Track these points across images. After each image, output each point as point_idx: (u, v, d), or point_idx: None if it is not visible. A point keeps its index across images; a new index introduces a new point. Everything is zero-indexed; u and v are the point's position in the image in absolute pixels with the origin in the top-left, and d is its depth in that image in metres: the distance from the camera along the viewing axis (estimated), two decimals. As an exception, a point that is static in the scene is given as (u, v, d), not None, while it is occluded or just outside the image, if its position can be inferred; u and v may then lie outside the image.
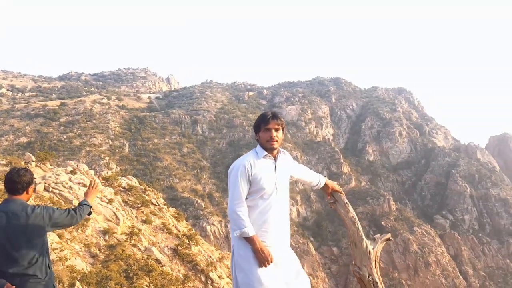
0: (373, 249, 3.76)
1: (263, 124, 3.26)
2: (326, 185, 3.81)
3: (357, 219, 3.84)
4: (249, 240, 3.08)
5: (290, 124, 78.86)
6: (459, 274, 54.37)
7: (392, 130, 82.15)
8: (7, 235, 3.08)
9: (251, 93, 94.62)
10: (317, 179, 3.73)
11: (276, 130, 3.29)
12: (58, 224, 3.37)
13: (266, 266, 3.08)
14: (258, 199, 3.18)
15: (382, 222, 57.18)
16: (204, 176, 56.85)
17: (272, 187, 3.21)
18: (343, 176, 65.67)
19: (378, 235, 3.97)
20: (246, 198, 3.17)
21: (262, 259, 3.06)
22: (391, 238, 4.09)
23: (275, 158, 3.33)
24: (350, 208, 3.89)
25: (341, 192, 3.87)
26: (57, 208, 3.43)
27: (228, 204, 3.22)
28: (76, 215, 3.46)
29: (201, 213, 47.96)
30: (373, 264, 3.72)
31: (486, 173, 75.68)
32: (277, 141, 3.28)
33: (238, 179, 3.14)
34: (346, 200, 3.93)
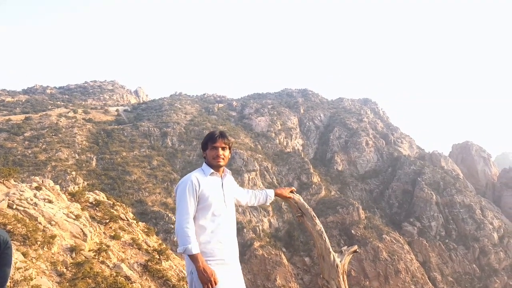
0: (340, 261, 3.91)
1: (211, 142, 3.34)
2: (279, 194, 3.93)
3: (324, 232, 3.99)
4: (192, 258, 3.04)
5: (260, 135, 79.31)
6: (428, 280, 55.76)
7: (359, 140, 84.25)
8: None
9: (221, 105, 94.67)
10: (264, 195, 3.81)
11: (223, 148, 3.36)
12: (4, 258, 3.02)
13: (209, 287, 3.00)
14: (210, 216, 3.20)
15: (352, 231, 58.09)
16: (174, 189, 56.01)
17: (221, 203, 3.27)
18: (313, 185, 66.46)
19: (345, 248, 4.13)
20: (197, 217, 3.18)
21: (204, 279, 2.99)
22: (357, 250, 4.27)
23: (221, 176, 3.39)
24: (317, 221, 4.04)
25: (290, 197, 3.99)
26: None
27: (175, 221, 3.19)
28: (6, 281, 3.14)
29: (172, 227, 47.09)
30: (341, 277, 3.86)
31: (451, 180, 78.53)
32: (223, 159, 3.35)
33: (185, 195, 3.16)
34: (313, 213, 4.08)
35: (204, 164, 3.41)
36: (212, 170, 3.33)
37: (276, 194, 3.92)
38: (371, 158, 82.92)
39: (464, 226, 69.14)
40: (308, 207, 4.09)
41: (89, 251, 14.55)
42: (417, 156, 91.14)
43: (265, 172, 66.31)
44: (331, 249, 3.95)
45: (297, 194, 4.16)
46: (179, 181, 3.30)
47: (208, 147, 3.35)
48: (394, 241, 58.88)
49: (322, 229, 4.03)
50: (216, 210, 3.23)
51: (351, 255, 4.18)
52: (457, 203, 71.88)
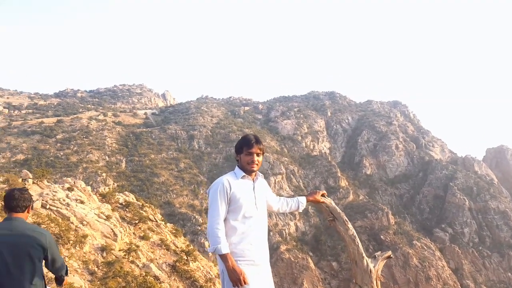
0: (374, 267, 3.77)
1: (246, 147, 3.36)
2: (312, 200, 3.92)
3: (356, 236, 3.86)
4: (222, 258, 3.11)
5: (286, 139, 79.00)
6: (460, 288, 53.86)
7: (388, 143, 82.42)
8: (13, 254, 3.10)
9: (246, 108, 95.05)
10: (296, 202, 3.83)
11: (258, 154, 3.38)
12: (53, 254, 3.34)
13: (238, 286, 3.09)
14: (241, 218, 3.25)
15: (381, 236, 56.84)
16: (201, 191, 56.58)
17: (252, 206, 3.31)
18: (341, 190, 65.52)
19: (378, 253, 3.98)
20: (228, 218, 3.24)
21: (233, 278, 3.08)
22: (391, 256, 4.11)
23: (253, 180, 3.42)
24: (350, 225, 3.92)
25: (322, 202, 3.96)
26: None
27: (207, 222, 3.28)
28: (65, 268, 3.49)
29: (199, 228, 47.58)
30: (374, 282, 3.72)
31: (484, 185, 75.67)
32: (257, 164, 3.38)
33: (216, 197, 3.22)
34: (345, 218, 3.95)
35: (236, 167, 3.45)
36: (244, 174, 3.37)
37: (308, 201, 3.92)
38: (401, 162, 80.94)
39: (499, 233, 66.41)
40: (340, 211, 3.97)
41: (119, 250, 14.84)
42: (449, 160, 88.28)
43: (291, 175, 65.98)
44: (364, 254, 3.81)
45: (329, 198, 4.05)
46: (210, 183, 3.33)
47: (243, 152, 3.38)
48: (425, 247, 57.17)
49: (355, 233, 3.90)
50: (247, 212, 3.27)
51: (385, 261, 4.02)
52: (491, 209, 69.18)
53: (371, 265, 3.80)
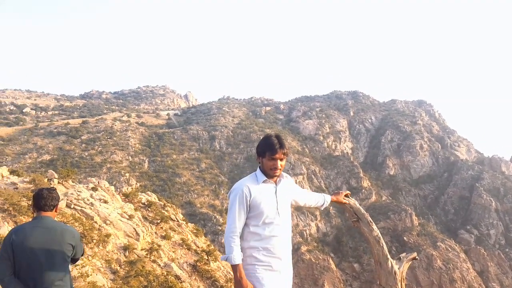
0: (398, 269, 3.65)
1: (270, 152, 3.20)
2: (336, 201, 3.86)
3: (381, 238, 3.74)
4: (233, 268, 3.08)
5: (307, 139, 78.48)
6: (486, 291, 52.26)
7: (412, 143, 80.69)
8: (45, 251, 3.21)
9: (268, 108, 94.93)
10: (322, 199, 3.75)
11: (281, 159, 3.23)
12: (78, 250, 3.48)
13: None
14: (261, 224, 3.17)
15: (405, 238, 55.73)
16: (222, 192, 56.87)
17: (273, 211, 3.20)
18: (363, 190, 64.59)
19: (403, 254, 3.85)
20: (248, 224, 3.18)
21: None
22: (417, 257, 3.96)
23: (276, 182, 3.30)
24: (374, 226, 3.81)
25: (346, 203, 3.88)
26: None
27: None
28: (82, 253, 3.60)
29: (220, 228, 47.81)
30: (399, 284, 3.60)
31: (512, 186, 73.22)
32: (280, 169, 3.25)
33: (235, 204, 3.14)
34: (369, 219, 3.85)
35: (258, 169, 3.32)
36: (265, 178, 3.25)
37: (333, 201, 3.85)
38: (425, 162, 79.10)
39: (527, 235, 64.12)
40: (364, 212, 3.86)
41: (141, 250, 15.03)
42: (475, 160, 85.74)
43: (312, 175, 65.49)
44: (388, 256, 3.68)
45: (353, 199, 3.95)
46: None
47: (266, 156, 3.22)
48: (450, 249, 55.70)
49: (380, 235, 3.79)
50: (268, 217, 3.18)
51: (410, 262, 3.88)
52: (519, 211, 66.91)
53: (395, 267, 3.67)
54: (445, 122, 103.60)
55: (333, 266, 50.44)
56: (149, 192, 26.56)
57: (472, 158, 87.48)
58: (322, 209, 3.86)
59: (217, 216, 50.23)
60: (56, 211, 3.45)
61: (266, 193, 3.21)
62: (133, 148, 63.63)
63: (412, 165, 77.92)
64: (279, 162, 3.20)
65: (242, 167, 64.65)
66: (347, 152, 78.69)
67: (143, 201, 21.31)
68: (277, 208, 3.22)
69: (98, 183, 21.27)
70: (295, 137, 77.74)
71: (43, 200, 3.36)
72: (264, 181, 3.23)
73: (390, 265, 3.65)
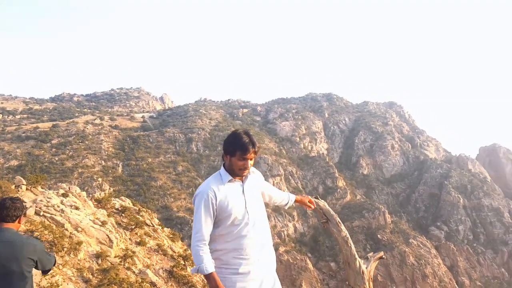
0: (366, 268, 3.76)
1: (241, 152, 3.00)
2: (299, 201, 3.73)
3: (349, 238, 3.85)
4: (207, 278, 2.93)
5: (284, 140, 79.12)
6: (456, 285, 54.14)
7: (384, 143, 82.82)
8: (1, 266, 3.04)
9: (245, 110, 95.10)
10: (287, 197, 3.63)
11: (252, 159, 3.06)
12: (43, 263, 3.31)
13: None
14: (230, 226, 3.00)
15: (379, 235, 56.97)
16: (199, 195, 56.49)
17: (242, 211, 3.04)
18: (338, 190, 65.61)
19: (370, 254, 3.97)
20: (216, 227, 3.02)
21: None
22: (384, 256, 4.10)
23: (242, 180, 3.14)
24: (343, 227, 3.91)
25: (311, 205, 3.74)
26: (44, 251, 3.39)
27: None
28: (53, 263, 3.42)
29: (196, 232, 47.41)
30: (367, 283, 3.71)
31: (478, 183, 76.22)
32: (248, 169, 3.09)
33: (200, 210, 2.97)
34: (338, 220, 3.95)
35: (222, 168, 3.16)
36: (230, 177, 3.08)
37: (297, 201, 3.75)
38: (397, 161, 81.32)
39: (492, 230, 67.04)
40: (333, 213, 3.96)
41: (115, 257, 14.73)
42: (443, 159, 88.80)
43: (289, 176, 65.99)
44: (356, 256, 3.80)
45: (322, 200, 4.04)
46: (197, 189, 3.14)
47: (236, 156, 3.02)
48: (421, 245, 57.40)
49: (348, 235, 3.89)
50: (236, 219, 3.02)
51: (377, 262, 4.01)
52: (485, 207, 69.89)
53: (363, 266, 3.79)
54: (415, 123, 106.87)
55: (310, 266, 50.96)
56: (123, 197, 26.04)
57: (440, 157, 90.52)
58: (286, 208, 3.77)
59: (194, 220, 49.84)
60: (19, 223, 3.28)
61: (233, 193, 3.05)
62: (106, 152, 62.26)
63: (384, 164, 79.93)
64: (249, 162, 3.04)
65: (220, 169, 64.35)
66: (323, 153, 79.81)
67: (116, 207, 20.88)
68: (245, 207, 3.05)
69: (69, 188, 20.71)
70: (272, 138, 78.18)
71: (5, 210, 3.20)
72: (229, 181, 3.08)
73: (358, 265, 3.76)
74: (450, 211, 68.42)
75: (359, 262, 3.80)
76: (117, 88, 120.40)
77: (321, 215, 3.95)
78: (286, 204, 3.66)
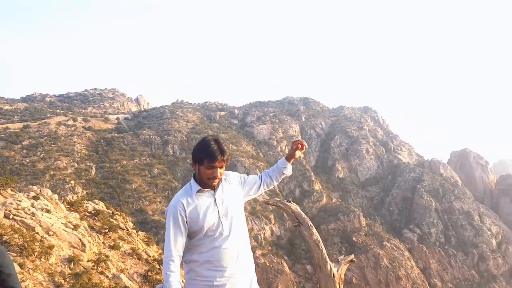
0: (337, 271, 3.87)
1: (209, 160, 2.89)
2: (290, 157, 3.46)
3: (320, 241, 3.95)
4: None
5: (261, 143, 79.40)
6: (428, 287, 55.56)
7: (359, 147, 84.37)
8: None
9: (222, 113, 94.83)
10: (279, 171, 3.42)
11: (221, 167, 2.95)
12: (9, 271, 3.00)
13: None
14: (203, 237, 2.92)
15: (353, 238, 57.87)
16: (175, 198, 55.92)
17: (214, 222, 2.93)
18: (315, 193, 66.30)
19: (341, 257, 4.09)
20: (190, 238, 2.94)
21: None
22: (354, 259, 4.23)
23: (214, 189, 3.02)
24: (314, 230, 4.02)
25: (303, 145, 3.49)
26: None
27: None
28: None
29: (172, 235, 46.89)
30: (338, 286, 3.82)
31: (449, 187, 78.56)
32: (219, 178, 2.98)
33: (169, 225, 2.89)
34: (310, 223, 4.05)
35: (192, 180, 3.04)
36: (199, 187, 2.98)
37: (288, 159, 3.47)
38: (371, 165, 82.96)
39: (463, 233, 69.14)
40: (305, 217, 4.06)
41: (87, 261, 14.44)
42: (416, 163, 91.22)
43: (265, 180, 66.21)
44: (327, 259, 3.91)
45: (294, 204, 4.14)
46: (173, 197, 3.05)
47: (204, 164, 2.90)
48: (395, 248, 58.67)
49: (319, 238, 4.00)
50: (209, 230, 2.92)
51: (348, 264, 4.14)
52: (456, 210, 72.03)
53: (334, 270, 3.89)
54: (389, 127, 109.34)
55: (286, 269, 51.23)
56: (96, 200, 25.51)
57: (413, 161, 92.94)
58: (289, 174, 3.47)
59: (169, 223, 49.27)
60: None
61: (203, 204, 2.94)
62: (79, 154, 60.78)
63: (359, 168, 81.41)
64: (218, 171, 2.92)
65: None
66: (300, 156, 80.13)
67: (89, 210, 20.45)
68: (219, 217, 2.95)
69: (40, 191, 20.14)
70: (249, 141, 78.29)
71: None
72: (199, 191, 2.97)
73: (329, 268, 3.86)
74: (423, 214, 70.20)
75: (330, 265, 3.90)
76: (91, 89, 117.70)
77: (293, 218, 4.04)
78: (282, 173, 3.44)
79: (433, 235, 67.99)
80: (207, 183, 2.96)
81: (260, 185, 3.37)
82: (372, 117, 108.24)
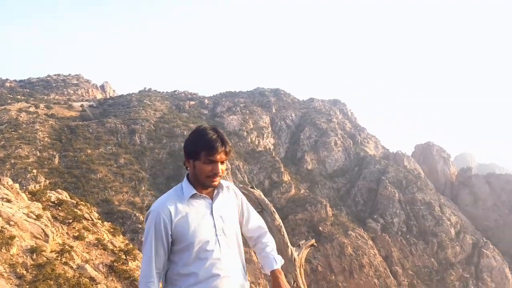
0: (298, 255, 4.06)
1: (208, 152, 2.24)
2: (273, 278, 2.80)
3: (283, 226, 4.12)
4: None
5: (232, 134, 79.23)
6: (390, 274, 57.97)
7: (328, 139, 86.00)
8: None
9: (192, 102, 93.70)
10: (272, 260, 2.83)
11: (223, 162, 2.33)
12: None
13: None
14: (194, 260, 2.25)
15: (320, 228, 59.31)
16: (143, 188, 55.05)
17: (210, 239, 2.29)
18: (284, 184, 67.17)
19: (302, 242, 4.28)
20: (174, 261, 2.30)
21: None
22: (315, 244, 4.43)
23: (212, 196, 2.38)
24: (277, 216, 4.18)
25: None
26: None
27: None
28: None
29: (140, 226, 46.28)
30: (298, 270, 3.99)
31: (412, 179, 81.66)
32: (220, 176, 2.33)
33: (149, 236, 2.22)
34: (273, 209, 4.21)
35: (185, 180, 2.37)
36: (194, 191, 2.31)
37: (272, 274, 2.89)
38: (339, 157, 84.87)
39: (424, 222, 72.19)
40: (268, 203, 4.21)
41: (51, 252, 14.13)
42: (382, 156, 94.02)
43: (236, 171, 66.34)
44: (289, 243, 4.08)
45: (258, 190, 4.28)
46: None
47: (202, 158, 2.25)
48: (359, 237, 60.66)
49: (281, 224, 4.16)
50: (202, 250, 2.26)
51: (308, 249, 4.33)
52: (418, 201, 74.96)
53: (295, 254, 4.07)
54: (357, 120, 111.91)
55: (254, 257, 51.86)
56: (59, 190, 24.85)
57: (379, 153, 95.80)
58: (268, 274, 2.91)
59: (137, 214, 48.55)
60: None
61: (196, 214, 2.28)
62: (42, 142, 58.57)
63: (327, 160, 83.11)
64: (219, 166, 2.29)
65: (164, 162, 63.18)
66: (270, 148, 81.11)
67: (52, 200, 19.94)
68: (216, 235, 2.30)
69: (0, 180, 19.40)
70: (219, 132, 78.01)
71: None
72: (193, 196, 2.31)
73: (290, 252, 4.04)
74: (386, 205, 72.72)
75: (291, 250, 4.08)
76: (54, 75, 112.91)
77: (256, 204, 4.18)
78: (253, 247, 2.83)
79: (396, 225, 70.65)
80: (205, 182, 2.32)
81: (252, 237, 2.85)
82: (341, 109, 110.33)
